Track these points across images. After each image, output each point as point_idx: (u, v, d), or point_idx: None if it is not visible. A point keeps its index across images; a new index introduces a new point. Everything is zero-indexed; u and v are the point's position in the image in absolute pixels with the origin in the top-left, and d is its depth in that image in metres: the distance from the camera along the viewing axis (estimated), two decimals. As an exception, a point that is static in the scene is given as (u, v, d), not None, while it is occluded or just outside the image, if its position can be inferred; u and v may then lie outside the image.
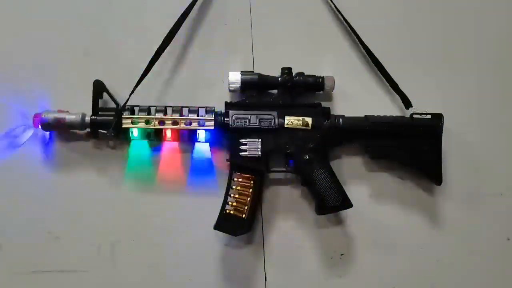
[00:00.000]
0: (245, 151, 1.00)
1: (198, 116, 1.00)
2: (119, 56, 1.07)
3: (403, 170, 1.07)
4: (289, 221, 1.06)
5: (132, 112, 1.00)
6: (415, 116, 1.03)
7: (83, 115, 0.99)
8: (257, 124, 1.00)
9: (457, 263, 1.08)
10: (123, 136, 1.01)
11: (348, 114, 1.03)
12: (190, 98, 1.05)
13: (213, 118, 0.99)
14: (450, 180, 1.07)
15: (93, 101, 1.00)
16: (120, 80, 1.03)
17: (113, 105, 1.01)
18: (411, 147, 1.02)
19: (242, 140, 1.00)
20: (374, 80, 1.10)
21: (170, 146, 1.05)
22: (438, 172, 1.03)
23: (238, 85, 0.99)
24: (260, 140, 1.00)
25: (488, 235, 1.08)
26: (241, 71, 1.00)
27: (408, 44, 1.12)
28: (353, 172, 1.07)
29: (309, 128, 1.01)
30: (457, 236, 1.08)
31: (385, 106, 1.09)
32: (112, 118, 0.99)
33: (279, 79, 1.01)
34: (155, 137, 1.01)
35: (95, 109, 1.00)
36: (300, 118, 1.01)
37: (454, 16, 1.13)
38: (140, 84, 1.01)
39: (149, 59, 1.01)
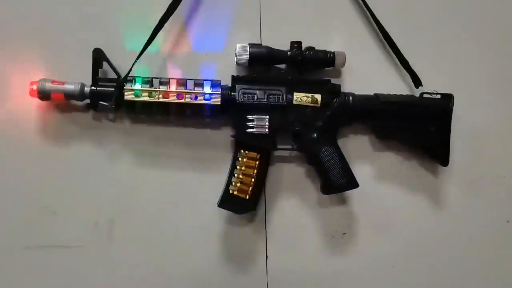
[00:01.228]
0: (252, 127, 0.96)
1: (203, 89, 0.96)
2: (120, 24, 1.02)
3: (409, 150, 1.06)
4: (292, 200, 1.05)
5: (134, 84, 0.95)
6: (425, 95, 1.02)
7: (82, 85, 0.94)
8: (265, 99, 0.96)
9: (457, 244, 1.08)
10: (124, 108, 0.96)
11: (356, 91, 1.01)
12: (194, 72, 1.01)
13: (219, 92, 0.95)
14: (454, 161, 1.05)
15: (92, 71, 0.95)
16: (121, 49, 0.98)
17: (113, 76, 0.97)
18: (420, 127, 1.01)
19: (249, 116, 0.97)
20: (384, 57, 1.07)
21: (172, 120, 1.01)
22: (445, 153, 1.01)
23: (247, 58, 0.95)
24: (268, 117, 0.97)
25: (488, 217, 1.08)
26: (249, 43, 0.96)
27: (420, 22, 1.09)
28: (359, 151, 1.05)
29: (318, 105, 0.98)
30: (458, 218, 1.08)
31: (394, 84, 1.06)
32: (113, 89, 0.94)
33: (288, 53, 0.97)
34: (158, 110, 0.96)
35: (95, 79, 0.95)
36: (309, 94, 0.97)
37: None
38: (142, 55, 0.96)
39: (153, 28, 0.96)
